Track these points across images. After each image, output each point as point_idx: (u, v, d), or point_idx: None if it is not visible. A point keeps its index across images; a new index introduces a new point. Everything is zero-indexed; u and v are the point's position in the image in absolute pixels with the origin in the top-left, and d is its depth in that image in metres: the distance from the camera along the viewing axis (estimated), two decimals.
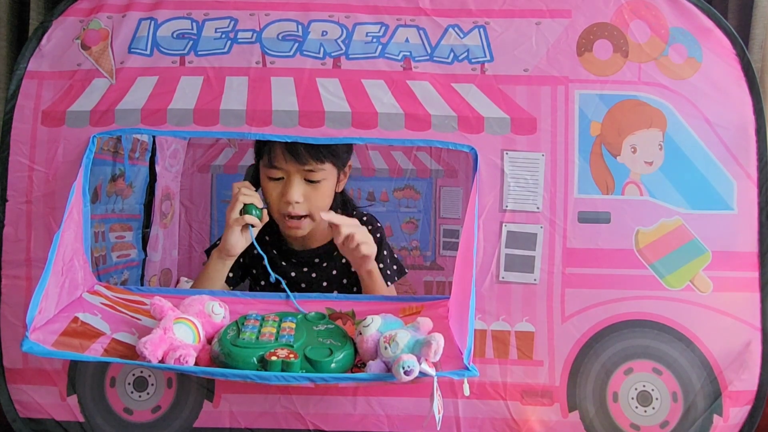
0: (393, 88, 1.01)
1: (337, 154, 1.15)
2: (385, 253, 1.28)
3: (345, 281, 1.29)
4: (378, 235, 1.28)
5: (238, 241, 1.10)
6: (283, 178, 1.14)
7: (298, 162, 1.11)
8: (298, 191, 1.13)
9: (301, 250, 1.28)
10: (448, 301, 1.01)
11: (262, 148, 1.15)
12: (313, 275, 1.28)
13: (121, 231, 1.44)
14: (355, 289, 1.31)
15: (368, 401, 0.99)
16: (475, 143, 1.00)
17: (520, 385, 1.00)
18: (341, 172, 1.21)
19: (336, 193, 1.22)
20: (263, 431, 1.00)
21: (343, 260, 1.27)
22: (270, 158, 1.13)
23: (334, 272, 1.29)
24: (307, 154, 1.10)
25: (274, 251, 1.28)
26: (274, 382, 0.80)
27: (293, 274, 1.27)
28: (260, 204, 1.11)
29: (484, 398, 1.00)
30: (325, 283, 1.28)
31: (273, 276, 1.09)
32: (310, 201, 1.15)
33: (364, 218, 1.32)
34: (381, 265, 1.28)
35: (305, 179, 1.14)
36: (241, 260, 1.25)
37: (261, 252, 1.10)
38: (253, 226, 1.10)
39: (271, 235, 1.29)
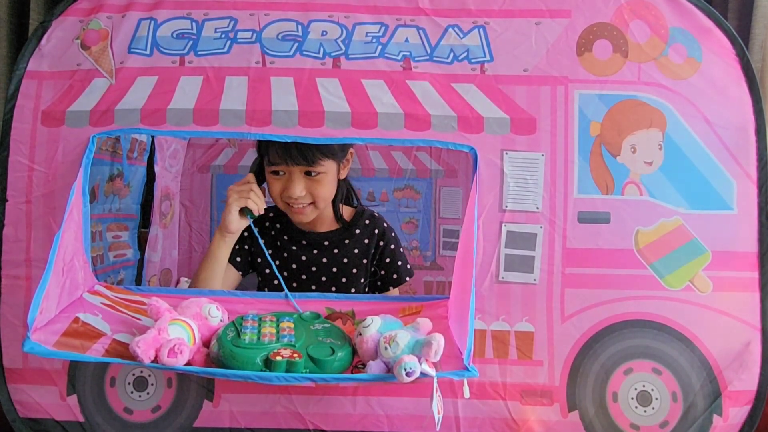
0: (393, 88, 1.01)
1: (331, 151, 1.15)
2: (399, 261, 1.33)
3: (355, 271, 1.31)
4: (393, 234, 1.32)
5: (235, 220, 1.14)
6: (284, 173, 1.16)
7: (293, 164, 1.13)
8: (299, 186, 1.15)
9: (310, 232, 1.30)
10: (447, 301, 1.01)
11: (263, 145, 1.17)
12: (324, 260, 1.29)
13: (118, 231, 1.44)
14: (362, 280, 1.32)
15: (368, 401, 0.99)
16: (475, 143, 1.00)
17: (520, 385, 1.00)
18: (341, 163, 1.22)
19: (341, 180, 1.25)
20: (263, 431, 1.00)
21: (356, 250, 1.30)
22: (269, 158, 1.15)
23: (345, 260, 1.30)
24: (300, 156, 1.11)
25: (285, 237, 1.30)
26: (276, 382, 0.80)
27: (303, 257, 1.29)
28: (258, 207, 1.15)
29: (483, 398, 1.00)
30: (334, 269, 1.30)
31: (275, 267, 1.11)
32: (312, 192, 1.17)
33: (373, 216, 1.34)
34: (395, 275, 1.32)
35: (306, 173, 1.16)
36: (247, 247, 1.27)
37: (258, 236, 1.15)
38: (250, 210, 1.14)
39: (282, 221, 1.31)
